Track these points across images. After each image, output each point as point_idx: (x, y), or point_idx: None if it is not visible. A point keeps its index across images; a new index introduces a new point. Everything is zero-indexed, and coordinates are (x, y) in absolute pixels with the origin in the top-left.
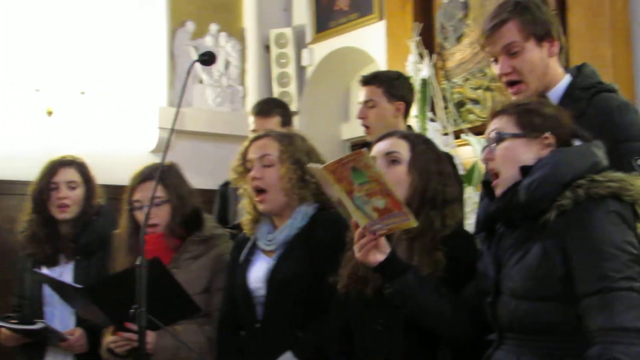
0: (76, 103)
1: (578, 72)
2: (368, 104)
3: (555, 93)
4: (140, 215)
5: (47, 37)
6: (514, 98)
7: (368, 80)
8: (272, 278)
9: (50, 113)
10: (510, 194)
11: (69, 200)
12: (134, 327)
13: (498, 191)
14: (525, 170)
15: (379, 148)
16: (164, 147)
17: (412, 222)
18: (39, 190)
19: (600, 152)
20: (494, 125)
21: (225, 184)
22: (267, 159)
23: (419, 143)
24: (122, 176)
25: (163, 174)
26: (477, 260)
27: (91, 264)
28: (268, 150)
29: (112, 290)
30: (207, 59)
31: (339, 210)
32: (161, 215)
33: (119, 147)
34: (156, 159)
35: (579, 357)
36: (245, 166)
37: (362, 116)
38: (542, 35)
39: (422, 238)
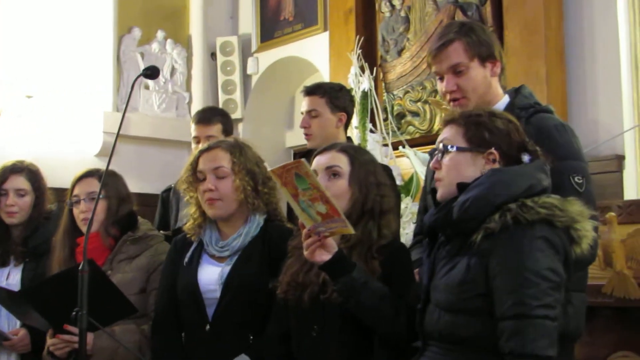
0: (22, 106)
1: (516, 93)
2: (311, 113)
3: None
4: (76, 211)
5: None
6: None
7: (311, 91)
8: (229, 281)
9: None
10: (446, 209)
11: (16, 207)
12: (72, 329)
13: (439, 194)
14: (461, 187)
15: (319, 162)
16: (110, 151)
17: (350, 229)
18: None
19: (541, 174)
20: (444, 135)
21: (167, 190)
22: (221, 171)
23: (358, 156)
24: (67, 179)
25: (103, 174)
26: (411, 270)
27: (39, 266)
28: (221, 162)
29: (49, 293)
30: (150, 73)
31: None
32: (96, 210)
33: (64, 150)
34: (101, 163)
35: None
36: (196, 176)
37: (305, 125)
38: (486, 56)
39: (360, 247)
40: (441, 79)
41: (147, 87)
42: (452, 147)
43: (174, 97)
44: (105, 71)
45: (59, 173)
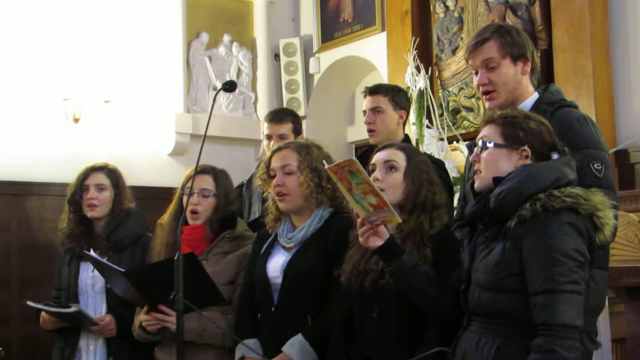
0: (100, 111)
1: (544, 90)
2: (376, 109)
3: (525, 106)
4: (185, 200)
5: (73, 51)
6: (487, 105)
7: (374, 90)
8: (289, 269)
9: (77, 120)
10: (484, 201)
11: (96, 200)
12: (166, 309)
13: (476, 185)
14: (497, 180)
15: (379, 157)
16: (182, 150)
17: (398, 218)
18: (74, 192)
19: (567, 169)
20: (484, 132)
21: (240, 186)
22: (288, 168)
23: (414, 155)
24: (143, 178)
25: (218, 173)
26: (458, 255)
27: (122, 259)
28: (288, 160)
29: (150, 275)
30: (229, 87)
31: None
32: (205, 206)
33: (139, 151)
34: (174, 162)
35: (525, 339)
36: (269, 174)
37: (370, 121)
38: (518, 56)
39: (413, 236)
40: (476, 73)
41: (215, 89)
42: (490, 143)
43: (240, 98)
44: (176, 75)
45: (135, 172)
